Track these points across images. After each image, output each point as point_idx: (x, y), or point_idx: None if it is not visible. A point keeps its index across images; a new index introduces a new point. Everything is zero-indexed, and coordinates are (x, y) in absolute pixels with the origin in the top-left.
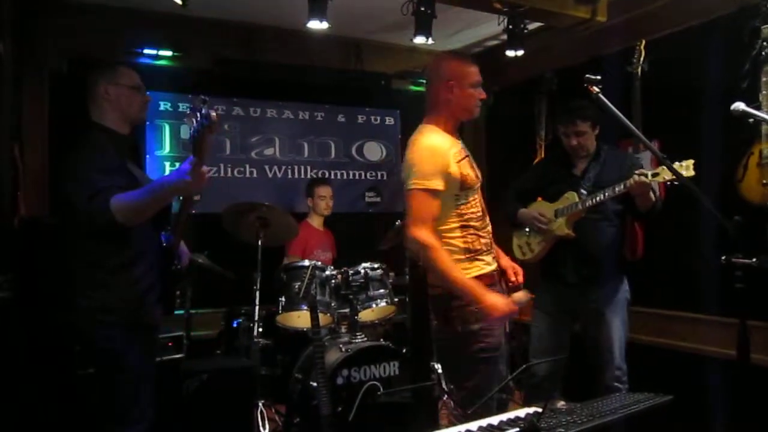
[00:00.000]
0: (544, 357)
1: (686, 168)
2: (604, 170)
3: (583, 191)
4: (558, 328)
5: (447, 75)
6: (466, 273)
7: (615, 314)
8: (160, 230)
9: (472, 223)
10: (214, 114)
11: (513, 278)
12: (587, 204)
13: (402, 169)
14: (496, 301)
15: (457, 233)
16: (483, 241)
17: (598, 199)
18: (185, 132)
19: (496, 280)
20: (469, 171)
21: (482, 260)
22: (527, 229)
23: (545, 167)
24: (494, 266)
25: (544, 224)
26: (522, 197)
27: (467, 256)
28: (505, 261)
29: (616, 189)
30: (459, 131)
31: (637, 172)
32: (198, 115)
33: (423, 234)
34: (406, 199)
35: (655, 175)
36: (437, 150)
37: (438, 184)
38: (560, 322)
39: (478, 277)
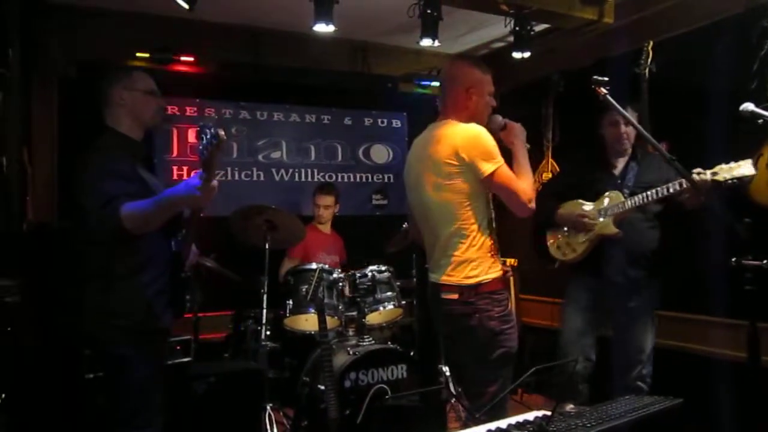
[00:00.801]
0: (579, 355)
1: (745, 167)
2: (642, 171)
3: (625, 191)
4: (593, 326)
5: (468, 82)
6: (491, 272)
7: (650, 316)
8: (171, 235)
9: (492, 221)
10: (222, 133)
11: (508, 269)
12: (636, 202)
13: (458, 160)
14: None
15: (487, 231)
16: (496, 240)
17: (649, 197)
18: (193, 137)
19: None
20: None
21: (500, 259)
22: (566, 229)
23: (580, 167)
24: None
25: (591, 223)
26: (559, 197)
27: (491, 253)
28: None
29: (671, 188)
30: None
31: (695, 171)
32: (207, 132)
33: (530, 191)
34: (496, 182)
35: (714, 174)
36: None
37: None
38: (595, 321)
39: (496, 280)
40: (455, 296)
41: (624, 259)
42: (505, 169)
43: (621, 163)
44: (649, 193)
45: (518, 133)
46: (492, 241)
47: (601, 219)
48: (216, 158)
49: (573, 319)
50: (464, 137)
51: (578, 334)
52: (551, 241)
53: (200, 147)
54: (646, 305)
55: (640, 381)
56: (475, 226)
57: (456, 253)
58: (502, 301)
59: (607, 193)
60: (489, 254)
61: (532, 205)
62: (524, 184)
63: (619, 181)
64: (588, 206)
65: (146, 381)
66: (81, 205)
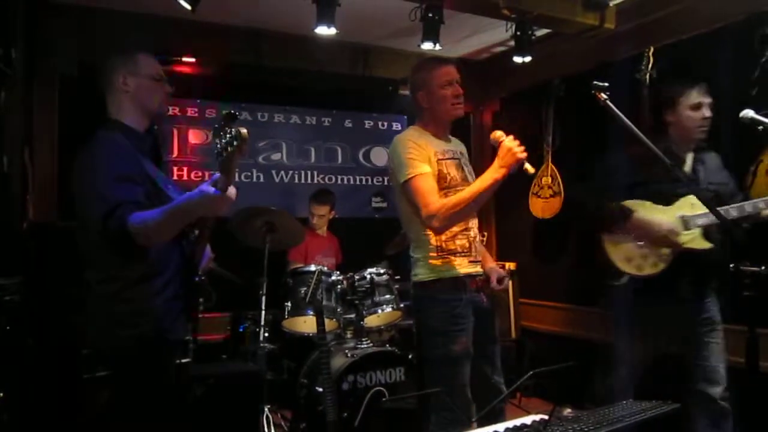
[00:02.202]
0: (630, 381)
1: None
2: (707, 169)
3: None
4: (652, 348)
5: (416, 85)
6: (435, 272)
7: (721, 329)
8: (183, 237)
9: None
10: (245, 131)
11: (494, 284)
12: (735, 215)
13: (391, 175)
14: (508, 151)
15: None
16: (459, 242)
17: (749, 210)
18: (193, 137)
19: (467, 286)
20: (455, 172)
21: (454, 261)
22: (640, 243)
23: (642, 159)
24: (470, 270)
25: (679, 236)
26: (612, 196)
27: (439, 253)
28: (490, 265)
29: None
30: (466, 136)
31: None
32: (227, 132)
33: (433, 208)
34: (405, 191)
35: None
36: (412, 142)
37: (426, 168)
38: (657, 343)
39: (442, 281)
40: (412, 291)
41: (696, 271)
42: (417, 182)
43: (689, 159)
44: (758, 201)
45: (500, 155)
46: (441, 241)
47: (689, 230)
48: (236, 160)
49: (631, 347)
50: (390, 149)
51: (642, 363)
52: (615, 248)
53: (218, 147)
54: (717, 319)
55: (723, 401)
56: (419, 227)
57: (411, 253)
58: (448, 302)
59: (687, 198)
60: (436, 253)
61: (433, 223)
62: (443, 203)
63: (691, 182)
64: (662, 211)
65: (153, 390)
66: (85, 213)
